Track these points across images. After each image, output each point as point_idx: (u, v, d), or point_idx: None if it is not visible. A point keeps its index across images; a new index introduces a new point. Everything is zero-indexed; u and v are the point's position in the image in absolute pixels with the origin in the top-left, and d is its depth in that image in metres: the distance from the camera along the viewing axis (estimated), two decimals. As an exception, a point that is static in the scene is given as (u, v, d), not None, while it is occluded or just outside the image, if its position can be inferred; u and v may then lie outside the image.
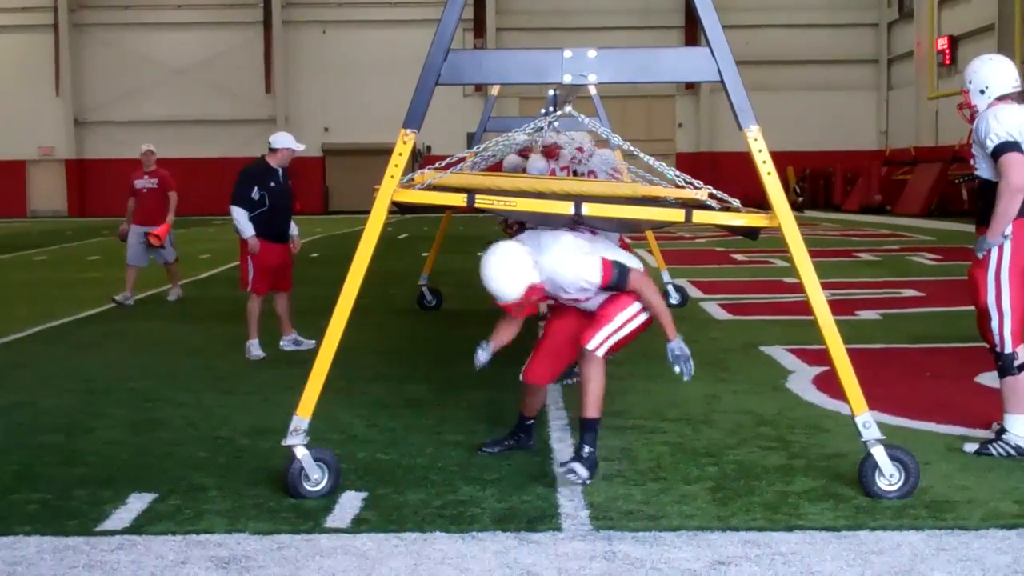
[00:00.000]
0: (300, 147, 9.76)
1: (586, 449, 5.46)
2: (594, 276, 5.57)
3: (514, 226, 7.43)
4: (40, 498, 5.39)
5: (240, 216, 9.48)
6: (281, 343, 9.87)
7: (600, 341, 5.59)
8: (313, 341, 9.34)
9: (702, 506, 5.13)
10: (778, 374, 8.39)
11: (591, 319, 5.71)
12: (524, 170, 11.60)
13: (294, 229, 9.95)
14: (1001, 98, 5.87)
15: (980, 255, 5.85)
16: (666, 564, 4.39)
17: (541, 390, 6.18)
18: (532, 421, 6.27)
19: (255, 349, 9.54)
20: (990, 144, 5.75)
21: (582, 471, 5.33)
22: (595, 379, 5.59)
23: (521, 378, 6.06)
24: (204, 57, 47.62)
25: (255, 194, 9.52)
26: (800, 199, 39.33)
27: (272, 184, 9.62)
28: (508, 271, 5.45)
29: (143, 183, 13.88)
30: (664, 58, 5.60)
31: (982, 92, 5.91)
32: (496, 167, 12.62)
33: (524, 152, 11.93)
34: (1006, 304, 5.81)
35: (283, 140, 9.80)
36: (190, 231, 29.08)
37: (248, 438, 6.61)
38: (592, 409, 5.54)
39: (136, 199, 13.81)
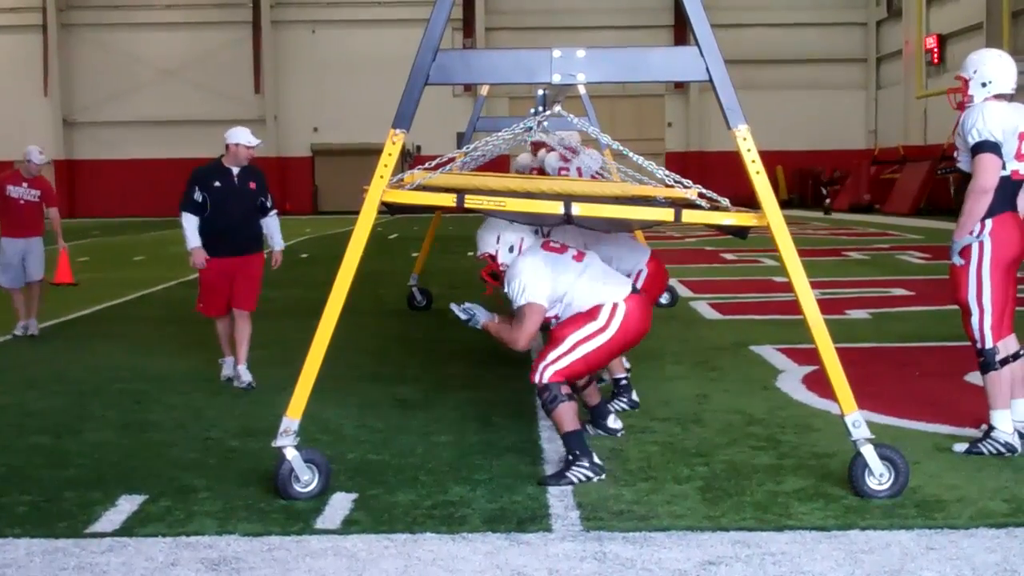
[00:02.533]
0: (254, 142, 8.34)
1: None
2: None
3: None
4: (29, 500, 5.37)
5: (187, 223, 8.29)
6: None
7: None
8: (249, 380, 8.22)
9: (692, 506, 5.14)
10: (768, 373, 8.40)
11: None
12: (539, 168, 11.68)
13: (277, 242, 8.68)
14: (997, 96, 5.89)
15: (956, 261, 5.89)
16: (656, 564, 4.39)
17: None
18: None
19: (225, 368, 8.57)
20: (971, 140, 5.81)
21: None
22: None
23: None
24: (193, 57, 47.56)
25: (197, 196, 8.24)
26: (828, 200, 38.09)
27: (217, 185, 8.25)
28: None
29: (21, 192, 11.13)
30: (653, 58, 5.60)
31: (984, 85, 5.90)
32: (488, 167, 12.63)
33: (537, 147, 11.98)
34: (987, 300, 5.84)
35: (233, 135, 8.34)
36: (178, 232, 28.76)
37: (238, 439, 6.60)
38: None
39: (6, 208, 11.11)
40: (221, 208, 8.24)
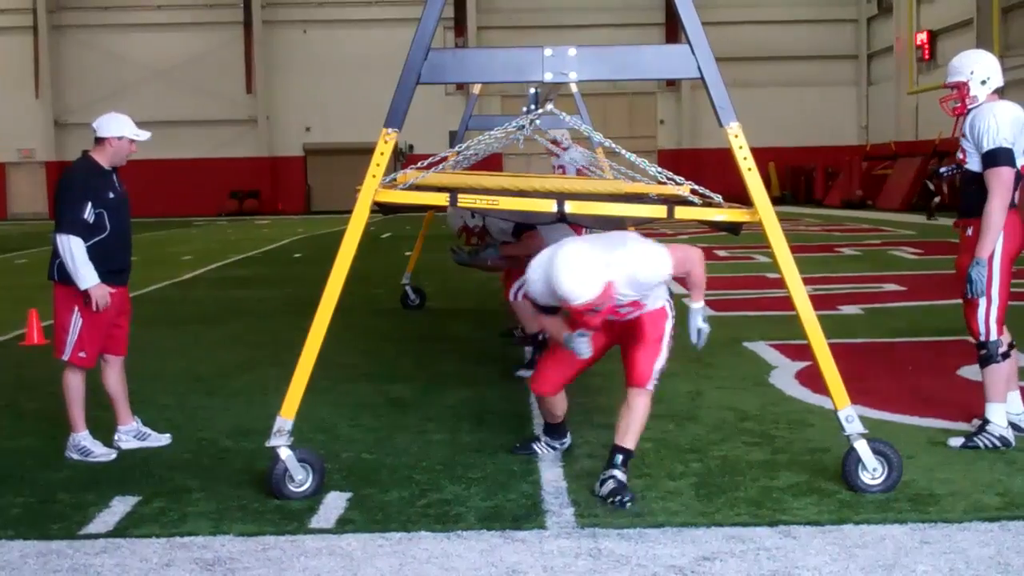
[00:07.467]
0: (144, 135, 6.33)
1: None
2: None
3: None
4: (23, 502, 5.36)
5: (78, 251, 6.01)
6: (116, 437, 6.44)
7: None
8: (168, 436, 6.55)
9: (686, 502, 5.15)
10: (761, 369, 8.41)
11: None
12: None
13: None
14: (994, 92, 5.89)
15: (972, 295, 5.81)
16: (651, 560, 4.40)
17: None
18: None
19: (86, 443, 6.27)
20: (986, 144, 5.73)
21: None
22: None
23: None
24: (185, 58, 47.48)
25: (88, 214, 6.07)
26: (936, 199, 29.56)
27: (111, 196, 6.21)
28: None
29: None
30: (644, 56, 5.61)
31: (983, 83, 5.88)
32: (480, 165, 12.64)
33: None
34: (995, 291, 5.83)
35: (116, 124, 6.24)
36: (171, 233, 28.96)
37: (232, 439, 6.59)
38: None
39: None
40: (115, 225, 6.21)
